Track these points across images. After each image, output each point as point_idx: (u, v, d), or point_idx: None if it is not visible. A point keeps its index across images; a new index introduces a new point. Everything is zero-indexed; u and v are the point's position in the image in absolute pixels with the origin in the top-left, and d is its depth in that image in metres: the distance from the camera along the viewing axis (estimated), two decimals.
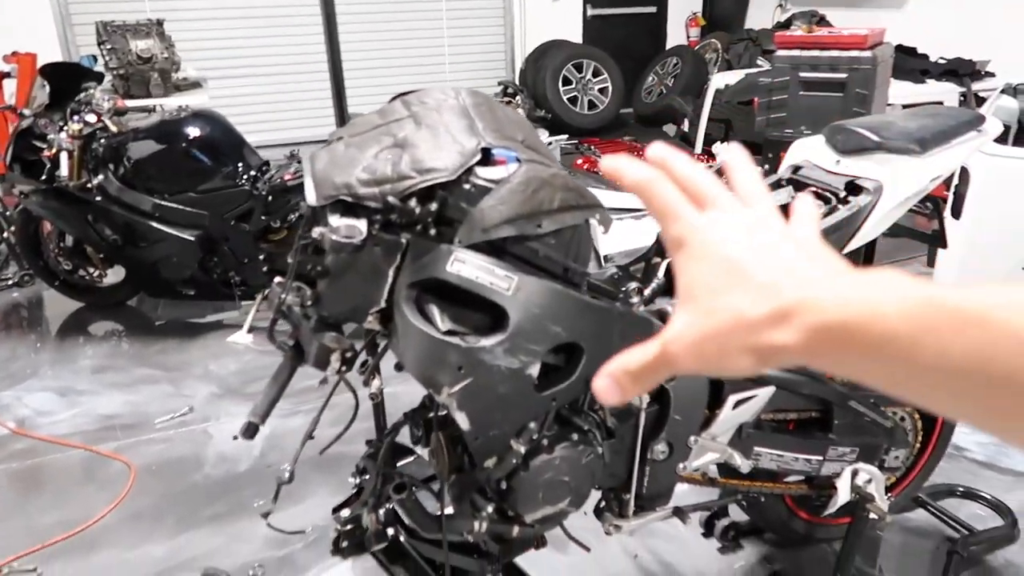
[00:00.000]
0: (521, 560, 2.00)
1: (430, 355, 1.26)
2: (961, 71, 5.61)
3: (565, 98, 7.61)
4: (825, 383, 1.73)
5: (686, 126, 7.20)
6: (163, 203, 3.38)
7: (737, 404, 1.64)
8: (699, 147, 6.52)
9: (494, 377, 1.28)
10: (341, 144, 1.39)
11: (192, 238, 3.40)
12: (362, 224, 1.26)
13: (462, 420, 1.30)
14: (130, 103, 3.88)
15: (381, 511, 1.86)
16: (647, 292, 1.54)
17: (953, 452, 2.62)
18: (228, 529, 2.36)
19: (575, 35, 8.32)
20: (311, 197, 1.29)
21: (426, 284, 1.29)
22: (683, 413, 1.57)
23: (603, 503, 1.69)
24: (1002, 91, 3.43)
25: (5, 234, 4.14)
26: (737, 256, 0.46)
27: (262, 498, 2.47)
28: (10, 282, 4.21)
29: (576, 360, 1.37)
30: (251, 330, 3.64)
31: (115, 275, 3.93)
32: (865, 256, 3.76)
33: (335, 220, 1.26)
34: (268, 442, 2.81)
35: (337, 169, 1.31)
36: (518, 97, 7.67)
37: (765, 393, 1.66)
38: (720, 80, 6.41)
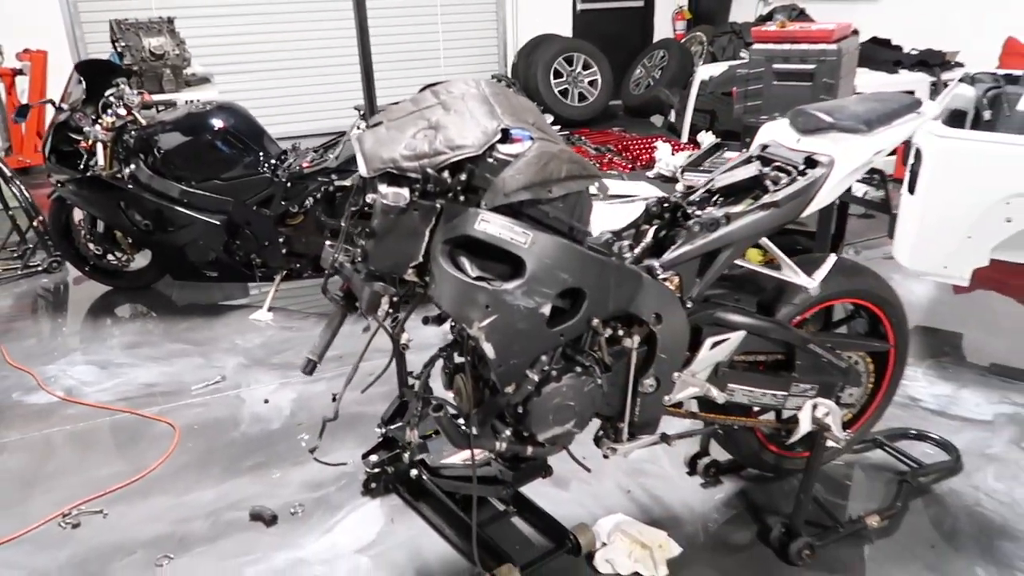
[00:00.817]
0: (531, 494, 2.32)
1: (463, 296, 1.56)
2: (931, 61, 5.93)
3: (556, 90, 7.90)
4: (789, 329, 2.04)
5: (672, 116, 7.51)
6: (190, 190, 3.66)
7: (714, 345, 1.95)
8: (685, 136, 6.83)
9: (515, 314, 1.58)
10: (383, 127, 1.69)
11: (218, 222, 3.69)
12: (405, 192, 1.56)
13: (489, 350, 1.60)
14: (160, 97, 4.15)
15: (408, 453, 2.17)
16: (636, 251, 1.85)
17: (909, 402, 2.95)
18: (268, 477, 2.65)
19: (566, 29, 8.61)
20: (363, 170, 1.59)
21: (457, 240, 1.59)
22: (668, 352, 1.87)
23: (601, 432, 1.99)
24: (960, 80, 3.75)
25: (34, 223, 4.41)
26: None
27: (297, 453, 2.77)
28: (39, 268, 4.47)
29: (580, 303, 1.67)
30: (271, 309, 3.92)
31: (141, 260, 4.21)
32: (836, 235, 4.08)
33: (384, 188, 1.55)
34: (296, 404, 3.10)
35: (383, 147, 1.60)
36: (511, 90, 7.97)
37: (737, 336, 1.97)
38: (705, 72, 6.72)
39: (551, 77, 7.87)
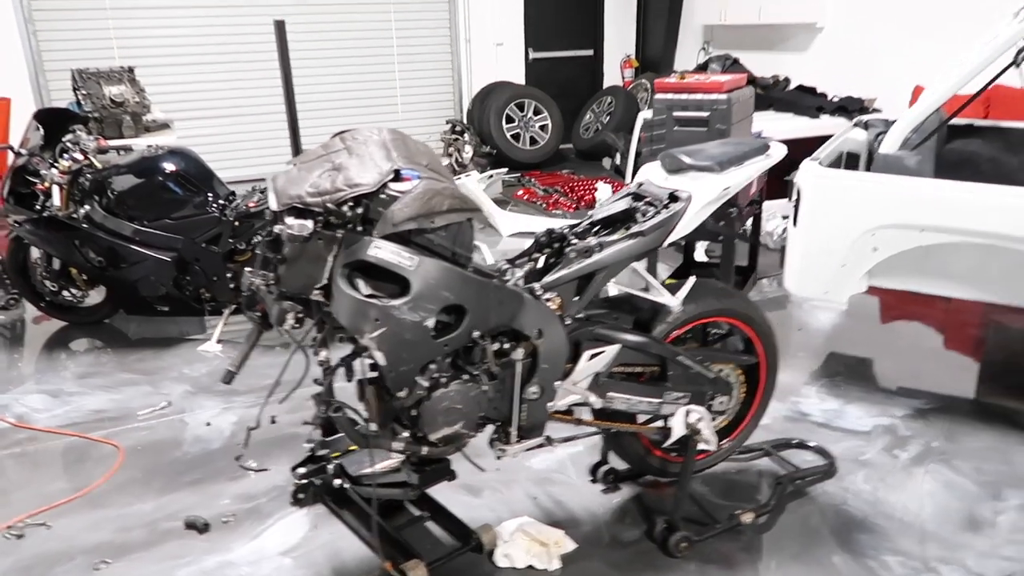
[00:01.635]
0: (445, 501, 2.55)
1: (356, 311, 1.82)
2: (850, 108, 6.37)
3: (508, 135, 8.27)
4: (659, 343, 2.32)
5: (619, 159, 7.90)
6: (142, 228, 3.89)
7: (591, 358, 2.23)
8: (629, 177, 7.20)
9: (401, 327, 1.85)
10: (295, 168, 1.96)
11: (168, 259, 3.92)
12: (309, 223, 1.83)
13: (379, 357, 1.86)
14: (115, 142, 4.40)
15: (330, 467, 2.40)
16: (519, 274, 2.13)
17: (800, 416, 3.25)
18: (205, 490, 2.85)
19: (518, 76, 9.03)
20: (273, 204, 1.86)
21: (354, 264, 1.86)
22: (549, 363, 2.14)
23: (494, 435, 2.25)
24: (854, 125, 4.14)
25: None
26: None
27: (234, 469, 2.98)
28: None
29: (462, 318, 1.94)
30: (220, 340, 4.14)
31: (95, 296, 4.41)
32: (748, 269, 4.41)
33: (290, 220, 1.82)
34: (237, 426, 3.31)
35: (291, 185, 1.88)
36: (465, 134, 8.35)
37: (612, 350, 2.25)
38: (647, 115, 7.13)
39: (503, 122, 8.25)
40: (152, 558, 2.49)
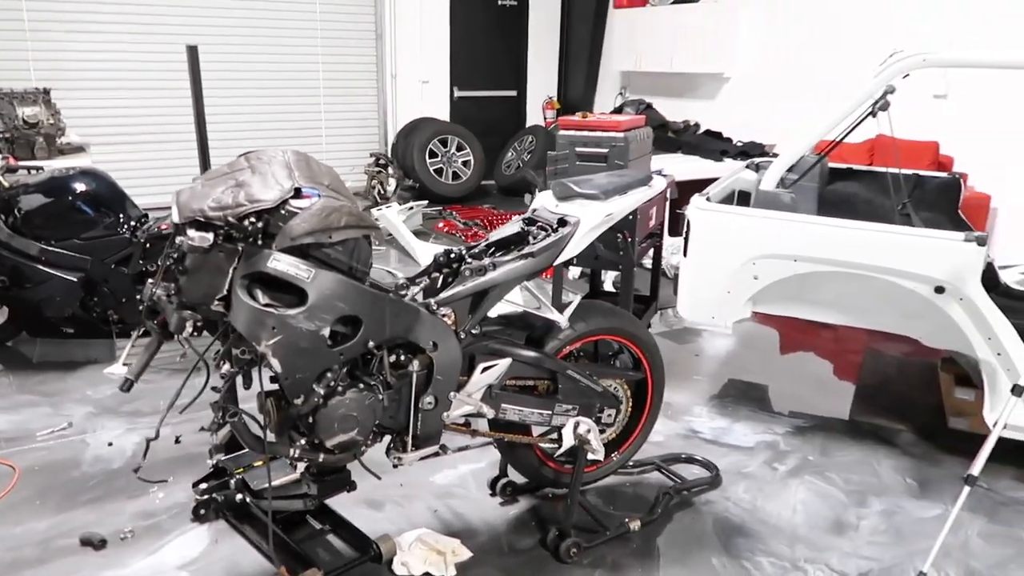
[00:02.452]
0: (348, 515, 2.62)
1: (254, 320, 1.91)
2: (752, 152, 6.80)
3: (432, 169, 8.43)
4: (550, 358, 2.48)
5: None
6: (49, 248, 3.86)
7: (484, 370, 2.36)
8: None
9: (298, 335, 1.94)
10: (198, 184, 2.05)
11: (75, 279, 3.88)
12: (210, 235, 1.91)
13: (276, 364, 1.95)
14: (25, 162, 4.35)
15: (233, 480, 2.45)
16: (417, 290, 2.26)
17: (691, 434, 3.45)
18: (104, 508, 2.83)
19: (443, 113, 9.24)
20: (175, 217, 1.94)
21: (254, 276, 1.95)
22: (444, 374, 2.26)
23: (391, 444, 2.34)
24: (746, 167, 4.45)
25: None
26: None
27: (134, 487, 2.97)
28: None
29: (357, 328, 2.05)
30: (127, 363, 4.09)
31: None
32: (650, 298, 4.64)
33: (192, 232, 1.91)
34: (139, 446, 3.29)
35: (194, 199, 1.97)
36: (389, 168, 8.47)
37: (504, 363, 2.39)
38: (551, 152, 7.41)
39: (427, 157, 8.41)
40: (44, 575, 2.47)
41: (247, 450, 2.49)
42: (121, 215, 3.99)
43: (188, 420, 2.32)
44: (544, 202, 2.57)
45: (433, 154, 8.48)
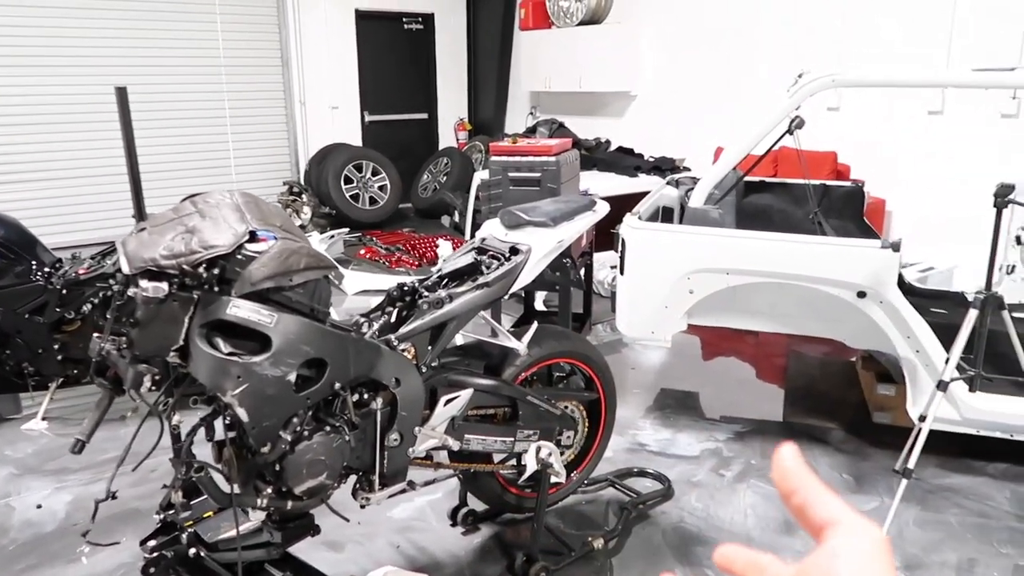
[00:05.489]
0: (308, 559, 2.55)
1: (217, 370, 1.86)
2: (664, 167, 7.03)
3: (348, 195, 8.33)
4: (510, 384, 2.50)
5: (457, 217, 8.18)
6: None
7: (447, 403, 2.36)
8: (468, 234, 7.48)
9: (263, 382, 1.90)
10: (145, 232, 1.98)
11: None
12: (164, 285, 1.85)
13: (243, 414, 1.89)
14: None
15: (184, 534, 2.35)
16: (375, 327, 2.24)
17: (638, 447, 3.53)
18: None
19: (355, 138, 9.15)
20: (125, 268, 1.87)
21: (213, 324, 1.89)
22: (408, 410, 2.25)
23: (357, 484, 2.31)
24: (667, 183, 4.61)
25: None
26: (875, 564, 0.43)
27: (71, 551, 2.80)
28: None
29: (323, 370, 2.02)
30: (46, 417, 3.86)
31: None
32: (584, 315, 4.73)
33: (144, 283, 1.84)
34: (72, 505, 3.11)
35: (144, 248, 1.89)
36: (303, 196, 8.32)
37: (466, 394, 2.39)
38: (483, 175, 7.47)
39: (342, 183, 8.30)
40: None
41: (196, 500, 2.40)
42: (33, 261, 3.76)
43: (123, 473, 2.20)
44: (492, 231, 2.59)
45: (348, 180, 8.38)
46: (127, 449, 2.10)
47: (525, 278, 2.44)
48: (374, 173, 8.59)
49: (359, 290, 6.03)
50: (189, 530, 2.51)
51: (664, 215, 4.38)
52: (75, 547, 2.83)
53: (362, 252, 7.19)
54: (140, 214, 2.57)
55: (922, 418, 2.91)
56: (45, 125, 7.08)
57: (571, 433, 2.72)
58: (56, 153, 7.15)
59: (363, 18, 8.96)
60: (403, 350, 2.25)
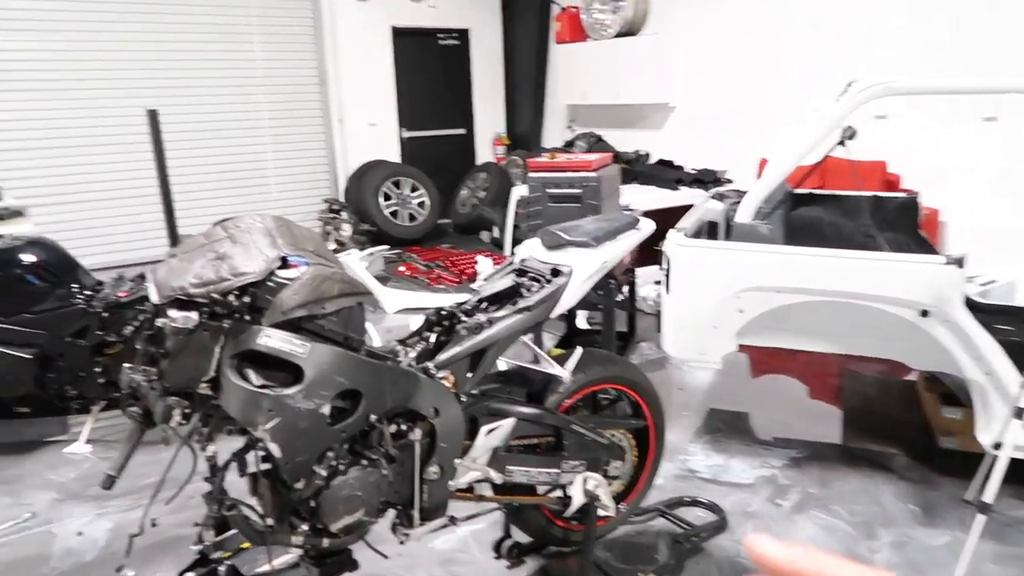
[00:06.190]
0: None
1: (248, 403, 1.78)
2: (706, 179, 6.87)
3: (387, 212, 8.32)
4: (552, 413, 2.38)
5: (496, 232, 8.10)
6: None
7: (489, 432, 2.25)
8: (508, 250, 7.39)
9: (296, 416, 1.81)
10: (175, 259, 1.92)
11: (29, 356, 3.64)
12: (194, 315, 1.78)
13: (275, 449, 1.81)
14: None
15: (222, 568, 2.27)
16: (412, 355, 2.15)
17: (688, 474, 3.37)
18: None
19: (394, 155, 9.15)
20: (154, 297, 1.80)
21: (244, 354, 1.82)
22: (448, 441, 2.15)
23: (396, 519, 2.21)
24: (711, 196, 4.46)
25: None
26: None
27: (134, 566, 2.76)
28: None
29: (358, 402, 1.93)
30: (89, 440, 3.85)
31: None
32: (628, 334, 4.59)
33: (173, 313, 1.77)
34: (112, 533, 3.07)
35: (173, 276, 1.83)
36: (343, 213, 8.33)
37: (508, 423, 2.28)
38: (521, 191, 7.38)
39: (381, 199, 8.30)
40: None
41: (233, 532, 2.32)
42: (74, 285, 3.77)
43: (161, 500, 2.14)
44: (532, 251, 2.49)
45: (387, 196, 8.37)
46: (161, 480, 2.04)
47: (567, 301, 2.33)
48: (413, 189, 8.57)
49: (399, 308, 5.96)
50: (226, 563, 2.45)
51: (709, 230, 4.23)
52: (138, 567, 2.78)
53: (402, 269, 7.15)
54: (173, 236, 2.51)
55: (997, 446, 2.71)
56: (83, 148, 7.17)
57: (619, 463, 2.59)
58: (96, 175, 7.25)
59: (399, 35, 8.98)
60: (441, 378, 2.16)
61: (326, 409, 1.86)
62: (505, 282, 2.39)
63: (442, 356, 2.17)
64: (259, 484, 2.02)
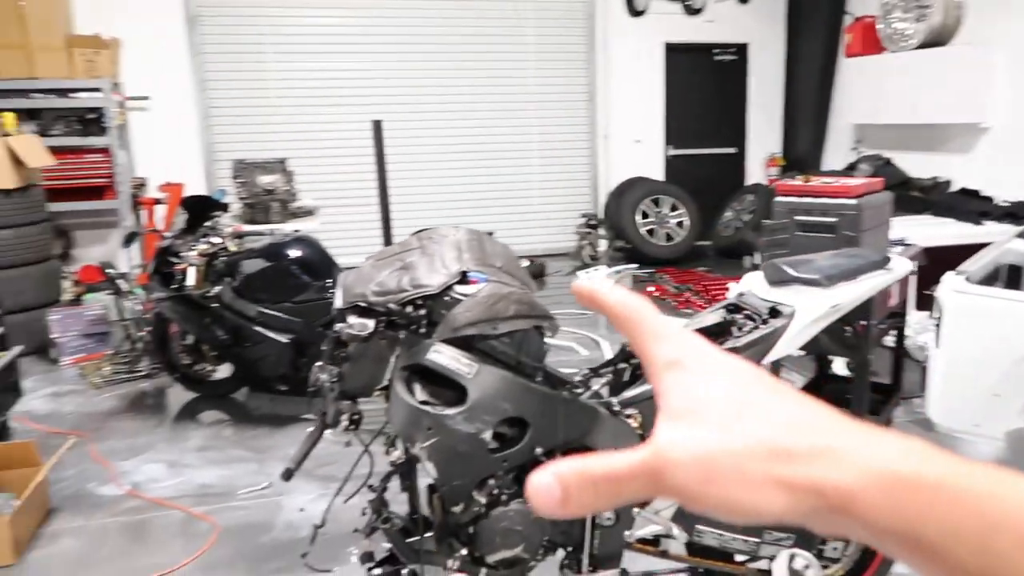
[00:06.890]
0: None
1: (408, 417, 1.73)
2: (1021, 214, 5.77)
3: (643, 230, 8.14)
4: None
5: (759, 258, 7.55)
6: (265, 311, 4.07)
7: None
8: None
9: (455, 438, 1.73)
10: (367, 265, 1.94)
11: (286, 341, 4.05)
12: (370, 322, 1.78)
13: (431, 469, 1.75)
14: (248, 227, 4.69)
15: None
16: (597, 386, 1.97)
17: None
18: None
19: (657, 172, 8.95)
20: (338, 302, 1.84)
21: (414, 368, 1.78)
22: None
23: (565, 560, 2.05)
24: (1017, 235, 3.70)
25: (142, 333, 4.96)
26: (752, 382, 0.42)
27: (317, 560, 2.92)
28: (142, 373, 4.99)
29: (524, 431, 1.80)
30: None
31: (223, 371, 4.63)
32: (892, 387, 3.95)
33: (352, 319, 1.79)
34: (329, 515, 3.27)
35: (358, 283, 1.85)
36: (598, 228, 8.32)
37: None
38: (766, 221, 6.80)
39: (638, 217, 8.15)
40: None
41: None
42: (328, 280, 4.12)
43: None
44: (753, 286, 2.19)
45: (645, 214, 8.20)
46: (345, 480, 2.10)
47: (784, 347, 2.00)
48: (672, 208, 8.31)
49: None
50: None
51: (1010, 275, 3.49)
52: (319, 560, 2.94)
53: (650, 289, 6.94)
54: (387, 241, 2.59)
55: None
56: (358, 158, 7.82)
57: (840, 544, 2.18)
58: (362, 182, 7.88)
59: (672, 50, 8.77)
60: (627, 416, 1.96)
61: (488, 435, 1.76)
62: (714, 317, 2.13)
63: (629, 393, 1.97)
64: (432, 499, 1.98)
